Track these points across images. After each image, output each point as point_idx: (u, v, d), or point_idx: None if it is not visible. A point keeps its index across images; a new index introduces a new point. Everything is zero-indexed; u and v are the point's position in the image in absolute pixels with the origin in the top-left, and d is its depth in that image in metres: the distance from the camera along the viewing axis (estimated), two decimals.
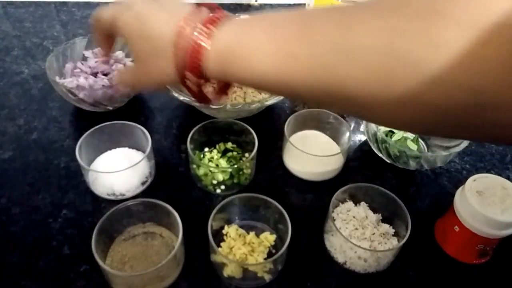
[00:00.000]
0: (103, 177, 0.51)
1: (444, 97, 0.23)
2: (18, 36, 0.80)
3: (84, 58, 0.67)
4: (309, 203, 0.54)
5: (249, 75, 0.31)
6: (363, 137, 0.64)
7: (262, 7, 0.93)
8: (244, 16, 0.33)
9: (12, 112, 0.63)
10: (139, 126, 0.54)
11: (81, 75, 0.63)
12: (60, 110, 0.64)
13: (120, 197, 0.52)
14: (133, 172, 0.51)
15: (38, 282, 0.44)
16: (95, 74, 0.64)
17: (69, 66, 0.64)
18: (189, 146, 0.52)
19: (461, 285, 0.47)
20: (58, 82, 0.60)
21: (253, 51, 0.30)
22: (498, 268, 0.49)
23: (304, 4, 0.68)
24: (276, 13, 0.32)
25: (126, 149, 0.57)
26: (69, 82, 0.62)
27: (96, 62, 0.65)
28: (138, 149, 0.56)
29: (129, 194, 0.52)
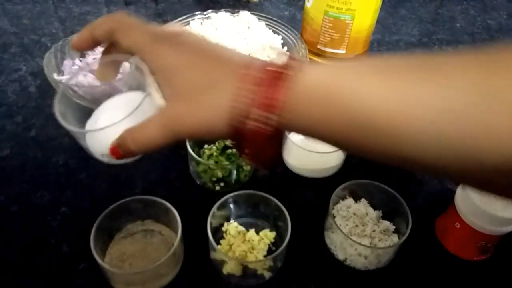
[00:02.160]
0: (100, 134, 0.41)
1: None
2: (16, 33, 0.79)
3: (82, 55, 0.66)
4: (309, 200, 0.54)
5: (319, 135, 0.25)
6: None
7: (261, 3, 0.93)
8: (326, 64, 0.26)
9: (10, 110, 0.63)
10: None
11: (79, 72, 0.62)
12: None
13: (113, 162, 0.41)
14: (136, 119, 0.38)
15: (36, 280, 0.44)
16: (93, 71, 0.63)
17: (67, 63, 0.64)
18: (188, 143, 0.51)
19: (462, 281, 0.47)
20: (56, 79, 0.59)
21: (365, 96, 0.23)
22: (499, 264, 0.48)
23: (303, 0, 0.67)
24: (372, 61, 0.25)
25: (125, 94, 0.41)
26: (67, 79, 0.61)
27: (94, 59, 0.65)
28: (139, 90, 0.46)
29: (130, 159, 0.43)
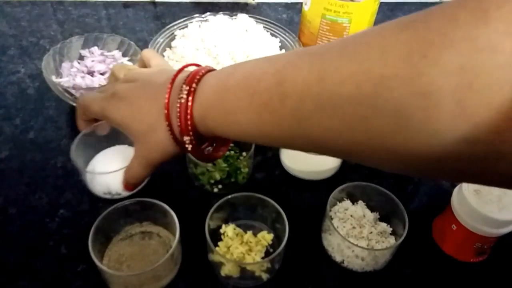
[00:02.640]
0: (100, 176, 0.51)
1: (433, 147, 0.21)
2: (14, 35, 0.79)
3: (81, 57, 0.67)
4: (306, 202, 0.54)
5: (231, 131, 0.31)
6: None
7: (259, 5, 0.93)
8: (226, 67, 0.33)
9: (9, 112, 0.63)
10: None
11: (78, 74, 0.63)
12: (57, 110, 0.64)
13: (116, 196, 0.52)
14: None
15: (35, 282, 0.44)
16: (91, 73, 0.64)
17: (65, 65, 0.64)
18: None
19: (459, 283, 0.47)
20: (54, 82, 0.59)
21: (232, 107, 0.30)
22: (495, 266, 0.49)
23: (301, 3, 0.68)
24: (250, 61, 0.32)
25: (124, 146, 0.56)
26: (65, 81, 0.61)
27: (92, 61, 0.65)
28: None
29: (125, 194, 0.52)
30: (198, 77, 0.33)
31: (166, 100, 0.33)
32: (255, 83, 0.29)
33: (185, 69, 0.36)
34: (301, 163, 0.55)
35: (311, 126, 0.26)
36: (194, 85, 0.32)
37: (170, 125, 0.33)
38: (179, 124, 0.33)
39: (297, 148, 0.30)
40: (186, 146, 0.34)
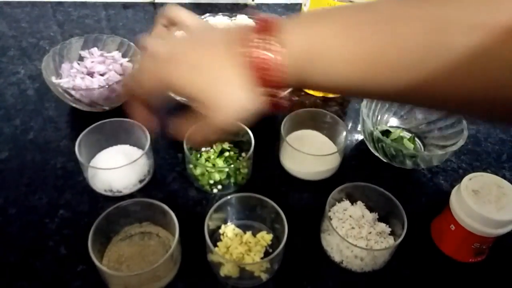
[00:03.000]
0: (102, 173, 0.51)
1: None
2: (14, 36, 0.79)
3: (81, 58, 0.67)
4: (305, 203, 0.54)
5: (330, 82, 0.29)
6: (359, 137, 0.64)
7: (258, 6, 0.93)
8: (294, 16, 0.31)
9: (8, 113, 0.63)
10: (138, 123, 0.54)
11: (78, 75, 0.63)
12: (57, 110, 0.64)
13: (117, 194, 0.52)
14: (131, 169, 0.51)
15: (34, 282, 0.44)
16: (91, 74, 0.64)
17: (65, 66, 0.64)
18: (185, 146, 0.52)
19: (457, 283, 0.47)
20: (54, 82, 0.60)
21: (331, 57, 0.28)
22: (494, 266, 0.49)
23: (300, 4, 0.68)
24: (334, 9, 0.30)
25: (126, 146, 0.57)
26: (65, 82, 0.62)
27: (92, 62, 0.65)
28: (138, 147, 0.56)
29: (126, 191, 0.52)
30: (278, 26, 0.29)
31: (251, 54, 0.29)
32: (360, 30, 0.27)
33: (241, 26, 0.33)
34: (301, 164, 0.55)
35: (433, 77, 0.26)
36: (279, 35, 0.29)
37: (258, 80, 0.30)
38: (268, 77, 0.29)
39: (396, 98, 0.30)
40: (277, 100, 0.31)
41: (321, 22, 0.29)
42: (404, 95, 0.28)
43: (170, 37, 0.37)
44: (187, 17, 0.42)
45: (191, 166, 0.53)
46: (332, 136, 0.60)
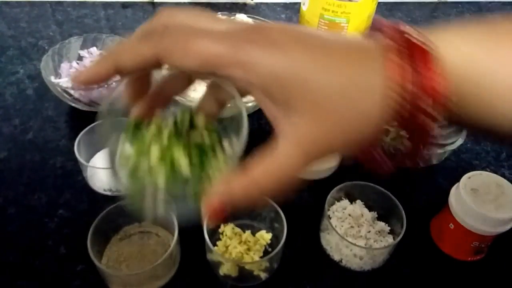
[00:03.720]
0: (101, 172, 0.51)
1: None
2: (13, 36, 0.80)
3: (80, 58, 0.67)
4: (305, 202, 0.54)
5: (502, 121, 0.22)
6: None
7: (258, 6, 0.93)
8: (448, 26, 0.23)
9: (8, 112, 0.63)
10: None
11: None
12: (56, 110, 0.64)
13: (116, 193, 0.52)
14: None
15: (34, 282, 0.44)
16: None
17: (64, 65, 0.64)
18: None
19: (457, 282, 0.48)
20: (53, 82, 0.60)
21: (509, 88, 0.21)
22: (493, 265, 0.49)
23: (299, 3, 0.68)
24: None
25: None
26: (64, 82, 0.62)
27: (91, 61, 0.65)
28: None
29: None
30: (427, 42, 0.21)
31: (397, 63, 0.21)
32: None
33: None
34: None
35: None
36: (433, 47, 0.21)
37: (399, 94, 0.21)
38: (417, 107, 0.21)
39: None
40: (429, 126, 0.22)
41: (493, 38, 0.22)
42: None
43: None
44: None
45: (118, 149, 0.29)
46: None
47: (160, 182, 0.26)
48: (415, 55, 0.21)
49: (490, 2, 1.01)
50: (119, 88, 0.27)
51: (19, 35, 0.80)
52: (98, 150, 0.55)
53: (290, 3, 0.94)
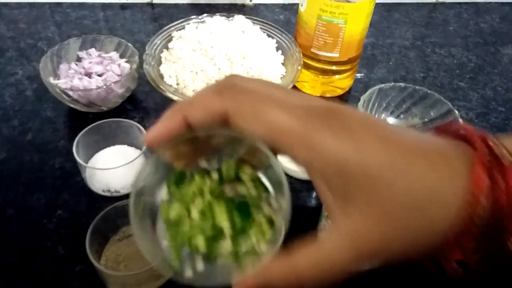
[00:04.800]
0: (100, 173, 0.52)
1: None
2: (12, 37, 0.80)
3: (79, 59, 0.67)
4: (302, 202, 0.54)
5: None
6: None
7: (256, 7, 0.93)
8: None
9: (7, 113, 0.63)
10: (135, 123, 0.54)
11: (75, 76, 0.63)
12: (55, 111, 0.64)
13: (115, 194, 0.52)
14: (129, 169, 0.51)
15: (32, 282, 0.44)
16: (89, 75, 0.64)
17: (63, 67, 0.64)
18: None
19: (455, 282, 0.48)
20: (52, 83, 0.60)
21: None
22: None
23: (297, 4, 0.68)
24: None
25: (124, 146, 0.57)
26: (63, 83, 0.62)
27: (90, 62, 0.65)
28: (135, 147, 0.57)
29: (124, 191, 0.52)
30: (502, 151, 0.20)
31: (482, 176, 0.19)
32: None
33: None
34: None
35: None
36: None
37: (475, 205, 0.19)
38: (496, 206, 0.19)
39: None
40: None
41: None
42: None
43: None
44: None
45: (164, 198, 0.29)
46: None
47: (200, 242, 0.25)
48: (506, 176, 0.19)
49: (488, 3, 1.01)
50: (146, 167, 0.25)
51: (18, 36, 0.80)
52: (97, 151, 0.56)
53: (289, 4, 0.94)
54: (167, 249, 0.25)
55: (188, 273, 0.25)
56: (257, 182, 0.27)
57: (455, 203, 0.19)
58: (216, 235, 0.25)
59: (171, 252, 0.25)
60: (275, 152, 0.23)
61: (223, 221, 0.25)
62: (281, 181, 0.24)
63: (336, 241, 0.21)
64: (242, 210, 0.26)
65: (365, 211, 0.20)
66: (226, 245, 0.25)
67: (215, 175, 0.26)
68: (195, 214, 0.25)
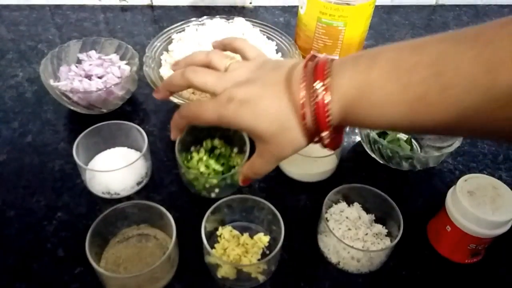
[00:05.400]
0: (99, 175, 0.52)
1: None
2: (12, 39, 0.80)
3: (79, 61, 0.67)
4: (302, 204, 0.54)
5: (377, 123, 0.32)
6: (357, 138, 0.64)
7: (256, 9, 0.93)
8: (348, 57, 0.33)
9: (7, 116, 0.64)
10: (135, 125, 0.54)
11: (76, 78, 0.63)
12: (55, 113, 0.64)
13: (114, 196, 0.52)
14: (128, 171, 0.51)
15: (32, 284, 0.44)
16: (89, 77, 0.64)
17: (63, 69, 0.65)
18: (177, 151, 0.51)
19: (454, 284, 0.48)
20: (52, 85, 0.60)
21: (380, 100, 0.30)
22: (490, 267, 0.49)
23: (297, 6, 0.68)
24: (387, 50, 0.31)
25: (124, 148, 0.57)
26: (63, 85, 0.62)
27: (90, 65, 0.65)
28: (135, 149, 0.57)
29: (124, 194, 0.52)
30: (327, 70, 0.32)
31: (302, 100, 0.33)
32: (406, 75, 0.29)
33: (294, 62, 0.36)
34: (297, 165, 0.56)
35: (477, 116, 0.26)
36: (328, 79, 0.32)
37: (305, 124, 0.33)
38: (316, 121, 0.33)
39: (448, 133, 0.35)
40: (324, 140, 0.34)
41: (372, 66, 0.31)
42: (444, 131, 0.31)
43: (232, 67, 0.41)
44: (251, 50, 0.44)
45: (183, 172, 0.52)
46: None
47: (214, 180, 0.51)
48: (316, 86, 0.32)
49: (487, 6, 1.01)
50: None
51: (19, 38, 0.80)
52: (97, 153, 0.56)
53: (289, 6, 0.94)
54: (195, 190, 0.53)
55: (212, 195, 0.53)
56: (225, 145, 0.56)
57: (294, 122, 0.34)
58: (217, 173, 0.53)
59: (199, 190, 0.53)
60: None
61: (216, 166, 0.54)
62: (244, 139, 0.53)
63: (257, 156, 0.39)
64: (220, 157, 0.55)
65: (261, 144, 0.38)
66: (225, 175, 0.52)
67: (202, 150, 0.55)
68: (202, 168, 0.53)
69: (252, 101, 0.35)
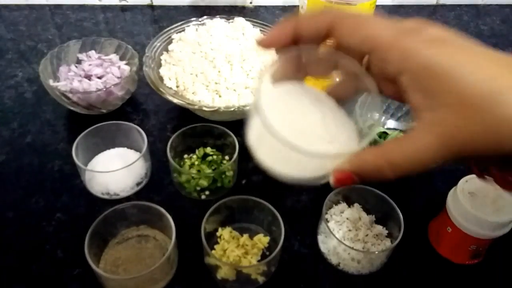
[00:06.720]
0: (99, 176, 0.52)
1: None
2: (12, 39, 0.80)
3: (78, 61, 0.67)
4: (302, 205, 0.54)
5: None
6: None
7: (256, 9, 0.93)
8: None
9: (6, 116, 0.63)
10: (135, 126, 0.54)
11: (75, 78, 0.63)
12: (54, 113, 0.64)
13: (114, 197, 0.52)
14: (128, 172, 0.51)
15: (31, 286, 0.44)
16: (89, 77, 0.64)
17: (63, 69, 0.64)
18: (169, 153, 0.51)
19: (454, 286, 0.48)
20: (52, 85, 0.60)
21: None
22: (491, 268, 0.49)
23: (298, 6, 0.68)
24: None
25: (123, 149, 0.57)
26: (63, 85, 0.62)
27: (90, 65, 0.65)
28: (135, 149, 0.57)
29: (123, 194, 0.52)
30: None
31: None
32: None
33: None
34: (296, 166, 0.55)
35: None
36: None
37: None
38: None
39: None
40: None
41: None
42: None
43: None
44: None
45: (176, 174, 0.53)
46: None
47: (204, 182, 0.52)
48: None
49: (488, 5, 1.01)
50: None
51: (18, 38, 0.80)
52: (96, 154, 0.56)
53: (289, 6, 0.94)
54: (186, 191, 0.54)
55: (203, 197, 0.54)
56: (217, 152, 0.57)
57: None
58: (208, 177, 0.52)
59: (188, 191, 0.53)
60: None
61: (207, 170, 0.54)
62: (235, 148, 0.53)
63: (427, 137, 0.23)
64: (212, 162, 0.55)
65: (454, 111, 0.23)
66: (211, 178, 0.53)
67: (195, 156, 0.56)
68: (194, 172, 0.54)
69: (462, 48, 0.24)
